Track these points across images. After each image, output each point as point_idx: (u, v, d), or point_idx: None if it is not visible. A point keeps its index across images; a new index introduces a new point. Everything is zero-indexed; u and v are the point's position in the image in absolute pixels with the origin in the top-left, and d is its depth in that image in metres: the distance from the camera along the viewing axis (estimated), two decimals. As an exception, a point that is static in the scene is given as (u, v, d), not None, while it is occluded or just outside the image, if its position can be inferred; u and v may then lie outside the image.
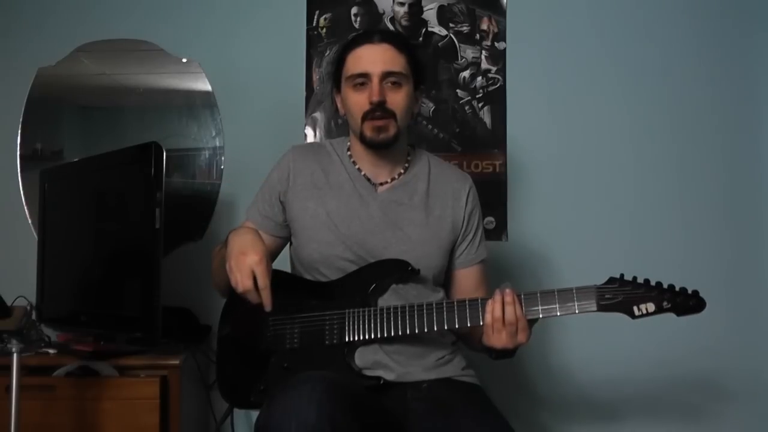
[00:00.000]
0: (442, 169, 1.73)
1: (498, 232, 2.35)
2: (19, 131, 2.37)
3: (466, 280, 1.70)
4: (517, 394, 2.28)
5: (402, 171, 1.68)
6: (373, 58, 1.56)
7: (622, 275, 1.45)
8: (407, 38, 1.73)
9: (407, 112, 1.61)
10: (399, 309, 1.52)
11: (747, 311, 2.33)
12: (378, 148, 1.61)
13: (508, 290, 1.46)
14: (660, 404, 2.31)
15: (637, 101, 2.37)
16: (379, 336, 1.51)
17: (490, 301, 1.47)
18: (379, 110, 1.56)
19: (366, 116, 1.57)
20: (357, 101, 1.59)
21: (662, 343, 2.25)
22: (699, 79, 2.37)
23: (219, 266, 1.63)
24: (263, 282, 1.44)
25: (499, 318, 1.45)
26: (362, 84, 1.57)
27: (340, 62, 1.63)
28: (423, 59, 1.68)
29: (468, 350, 1.69)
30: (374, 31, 1.66)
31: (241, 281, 1.44)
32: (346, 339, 1.53)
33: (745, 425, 2.30)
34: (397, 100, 1.57)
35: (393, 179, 1.67)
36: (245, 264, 1.44)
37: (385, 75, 1.56)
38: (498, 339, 1.46)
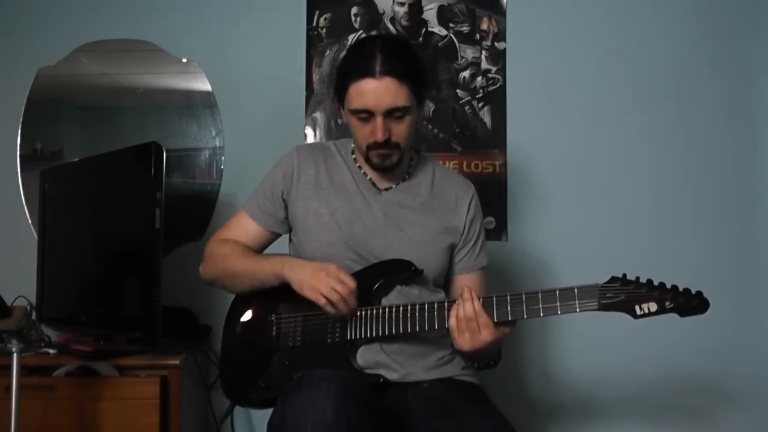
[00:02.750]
0: (446, 175, 1.74)
1: (498, 232, 2.35)
2: (19, 131, 2.37)
3: (465, 286, 1.69)
4: (516, 395, 2.28)
5: (406, 176, 1.68)
6: (375, 96, 1.51)
7: (624, 275, 1.44)
8: (409, 58, 1.56)
9: (411, 137, 1.60)
10: (400, 307, 1.52)
11: (749, 313, 2.33)
12: (384, 171, 1.63)
13: (465, 289, 1.47)
14: (660, 406, 2.30)
15: (637, 101, 2.37)
16: (380, 334, 1.52)
17: (453, 306, 1.47)
18: (383, 145, 1.55)
19: (371, 147, 1.57)
20: (362, 133, 1.57)
21: (662, 346, 2.24)
22: (700, 79, 2.37)
23: (243, 272, 1.62)
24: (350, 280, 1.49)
25: (461, 318, 1.45)
26: (366, 118, 1.55)
27: (342, 86, 1.57)
28: (424, 73, 1.61)
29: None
30: (376, 58, 1.51)
31: (330, 293, 1.47)
32: (348, 337, 1.53)
33: (746, 427, 2.30)
34: (401, 130, 1.56)
35: (397, 184, 1.67)
36: (327, 277, 1.49)
37: (389, 112, 1.53)
38: (463, 340, 1.45)
